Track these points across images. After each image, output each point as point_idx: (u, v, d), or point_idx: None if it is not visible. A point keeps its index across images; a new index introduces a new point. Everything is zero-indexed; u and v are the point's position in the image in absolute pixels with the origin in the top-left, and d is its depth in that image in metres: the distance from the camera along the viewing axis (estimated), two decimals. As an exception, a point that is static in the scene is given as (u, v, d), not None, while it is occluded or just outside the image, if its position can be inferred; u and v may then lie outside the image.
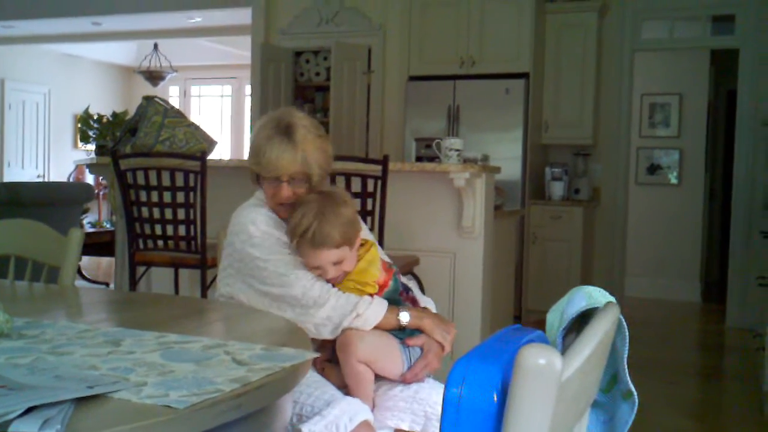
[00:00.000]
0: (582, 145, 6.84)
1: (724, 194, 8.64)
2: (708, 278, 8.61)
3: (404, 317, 2.05)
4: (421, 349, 2.08)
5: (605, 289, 1.29)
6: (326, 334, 2.03)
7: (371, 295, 2.06)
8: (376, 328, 2.03)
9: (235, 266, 2.12)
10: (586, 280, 6.55)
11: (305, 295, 2.01)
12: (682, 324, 6.93)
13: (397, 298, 2.11)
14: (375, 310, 2.02)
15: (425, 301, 2.27)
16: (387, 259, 2.23)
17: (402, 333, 2.07)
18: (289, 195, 2.10)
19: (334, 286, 2.06)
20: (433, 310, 2.24)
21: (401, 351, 2.05)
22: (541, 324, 1.22)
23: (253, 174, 2.17)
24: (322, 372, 2.09)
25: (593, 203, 6.87)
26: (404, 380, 2.07)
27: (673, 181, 8.19)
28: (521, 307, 6.42)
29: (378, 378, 2.09)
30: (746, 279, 6.38)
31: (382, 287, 2.09)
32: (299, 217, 2.01)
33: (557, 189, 6.67)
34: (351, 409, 1.87)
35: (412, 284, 2.33)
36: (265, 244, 2.07)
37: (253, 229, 2.08)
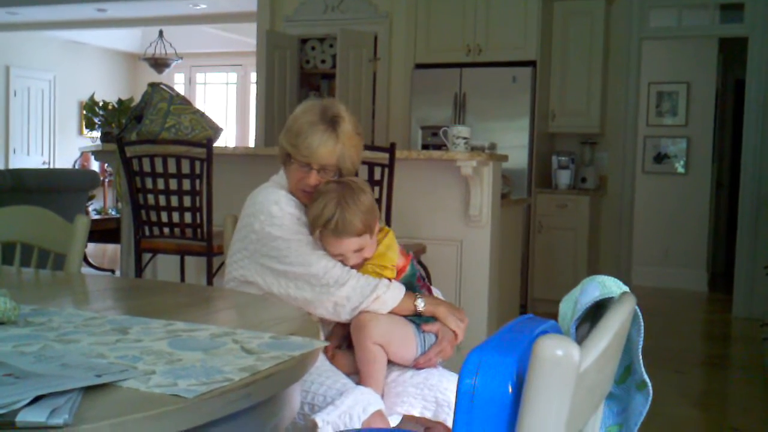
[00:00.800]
0: (589, 133, 6.80)
1: (731, 183, 8.61)
2: (715, 268, 8.58)
3: (420, 303, 2.07)
4: (436, 336, 2.08)
5: (613, 277, 1.27)
6: (344, 315, 2.04)
7: (389, 279, 2.07)
8: (393, 312, 2.04)
9: (251, 248, 2.10)
10: (593, 269, 6.53)
11: (326, 273, 2.01)
12: (689, 313, 6.91)
13: (414, 284, 2.13)
14: (393, 293, 2.03)
15: (433, 291, 2.28)
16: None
17: (417, 319, 2.08)
18: (315, 183, 2.10)
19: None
20: (441, 298, 2.26)
21: (416, 336, 2.07)
22: (547, 315, 1.21)
23: (283, 154, 2.16)
24: (332, 359, 2.08)
25: (600, 192, 6.85)
26: (417, 365, 2.08)
27: (681, 170, 8.15)
28: (527, 295, 6.40)
29: (388, 364, 2.09)
30: (753, 269, 6.36)
31: (400, 271, 2.11)
32: (321, 206, 2.02)
33: (564, 177, 6.64)
34: (364, 399, 1.87)
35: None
36: (288, 224, 2.06)
37: (276, 209, 2.07)
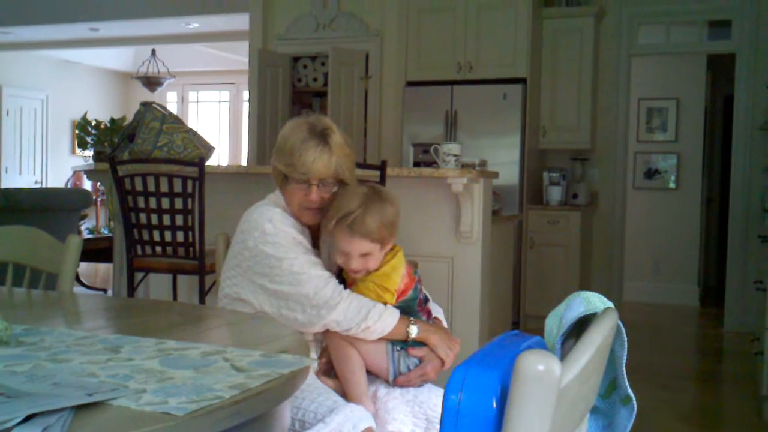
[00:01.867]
0: (580, 149, 6.85)
1: (721, 198, 8.66)
2: (706, 282, 8.62)
3: (413, 330, 2.06)
4: (420, 359, 2.09)
5: (603, 293, 1.29)
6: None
7: (385, 303, 2.06)
8: (384, 337, 2.04)
9: (244, 265, 2.10)
10: (584, 284, 6.55)
11: (317, 294, 2.01)
12: (680, 328, 6.93)
13: (414, 308, 2.12)
14: (384, 323, 2.02)
15: (435, 309, 2.28)
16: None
17: (403, 343, 2.08)
18: (317, 198, 2.11)
19: (351, 284, 2.08)
20: (442, 318, 2.25)
21: (387, 347, 2.07)
22: (539, 331, 1.23)
23: (278, 175, 2.16)
24: (321, 379, 2.09)
25: (591, 208, 6.88)
26: (396, 383, 2.08)
27: (671, 185, 8.20)
28: (519, 312, 6.42)
29: (376, 379, 2.10)
30: (744, 283, 6.39)
31: (400, 294, 2.09)
32: (345, 200, 2.04)
33: (555, 194, 6.68)
34: (354, 416, 1.88)
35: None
36: (281, 242, 2.06)
37: (269, 226, 2.08)
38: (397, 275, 2.08)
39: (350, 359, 2.05)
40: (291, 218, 2.13)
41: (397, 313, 2.05)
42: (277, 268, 2.04)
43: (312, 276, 2.03)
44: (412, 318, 2.08)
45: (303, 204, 2.12)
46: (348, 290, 2.05)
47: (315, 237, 2.19)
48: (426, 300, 2.20)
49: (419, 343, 2.09)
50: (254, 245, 2.08)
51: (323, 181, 2.10)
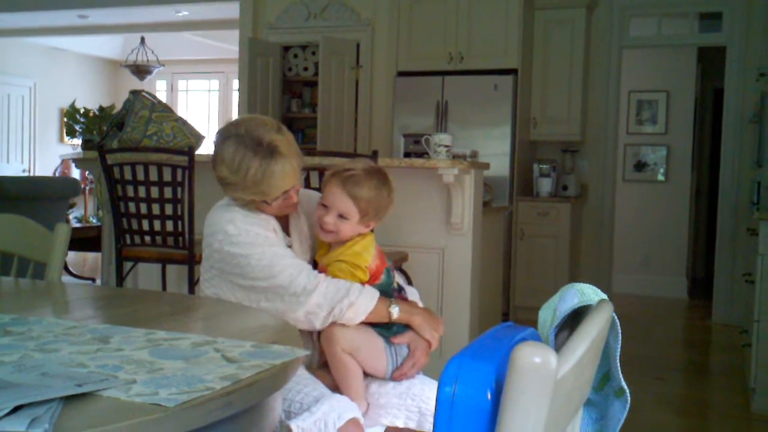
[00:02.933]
0: (570, 141, 6.85)
1: (710, 191, 8.69)
2: (695, 275, 8.65)
3: (395, 311, 2.05)
4: (408, 346, 2.08)
5: (592, 285, 1.28)
6: (318, 323, 2.01)
7: (363, 283, 2.05)
8: (367, 320, 2.03)
9: (217, 267, 2.09)
10: (574, 276, 6.57)
11: (292, 282, 1.99)
12: (669, 320, 6.96)
13: (390, 293, 2.11)
14: (366, 298, 2.01)
15: (411, 292, 2.27)
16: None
17: (388, 332, 2.07)
18: (297, 193, 2.12)
19: (323, 270, 2.08)
20: (418, 301, 2.24)
21: (386, 348, 2.06)
22: (529, 322, 1.22)
23: (252, 202, 2.08)
24: (316, 373, 2.08)
25: (581, 200, 6.89)
26: (393, 379, 2.08)
27: (661, 177, 8.22)
28: (509, 303, 6.43)
29: (368, 376, 2.09)
30: (732, 275, 6.42)
31: (374, 277, 2.09)
32: (355, 162, 2.11)
33: (545, 185, 6.68)
34: (340, 406, 1.87)
35: (401, 278, 2.32)
36: (246, 240, 2.04)
37: (231, 227, 2.05)
38: (368, 254, 2.09)
39: (349, 370, 2.03)
40: (253, 215, 2.09)
41: (376, 292, 2.04)
42: (247, 265, 2.02)
43: (284, 266, 2.01)
44: (392, 299, 2.07)
45: (285, 210, 2.13)
46: (323, 274, 2.04)
47: (284, 225, 2.18)
48: (400, 289, 2.19)
49: (401, 329, 2.08)
50: (220, 247, 2.06)
51: (295, 185, 2.10)
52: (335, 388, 2.04)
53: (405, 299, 2.18)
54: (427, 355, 2.10)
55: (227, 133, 2.05)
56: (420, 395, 2.04)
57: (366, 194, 2.04)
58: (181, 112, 12.88)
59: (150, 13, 9.54)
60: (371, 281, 2.08)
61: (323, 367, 2.11)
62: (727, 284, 6.53)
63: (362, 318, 2.01)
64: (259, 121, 2.08)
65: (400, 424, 2.03)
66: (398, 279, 2.25)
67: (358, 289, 2.01)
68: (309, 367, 2.10)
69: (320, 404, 1.86)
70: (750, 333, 4.26)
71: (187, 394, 1.12)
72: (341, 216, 2.05)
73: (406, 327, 2.08)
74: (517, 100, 6.34)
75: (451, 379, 0.97)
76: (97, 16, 9.76)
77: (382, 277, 2.11)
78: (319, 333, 2.09)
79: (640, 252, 8.16)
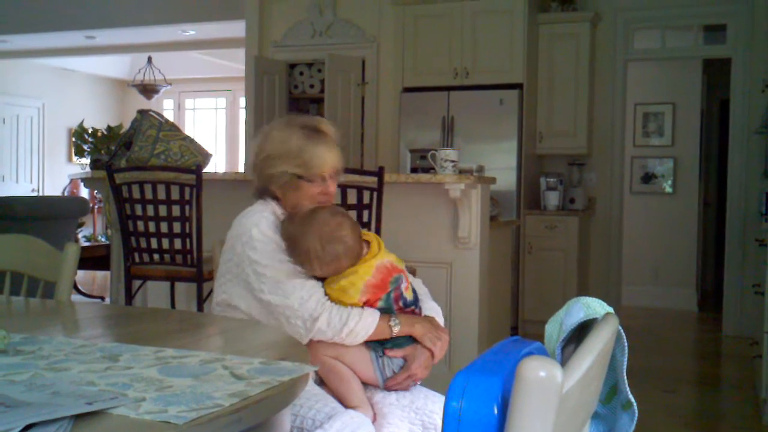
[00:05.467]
0: (576, 154, 6.85)
1: (718, 202, 8.67)
2: (704, 286, 8.62)
3: (395, 326, 2.05)
4: (405, 359, 2.08)
5: (601, 298, 1.29)
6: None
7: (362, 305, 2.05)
8: (371, 338, 2.04)
9: (234, 271, 2.11)
10: (583, 289, 6.55)
11: (302, 306, 2.01)
12: (679, 332, 6.93)
13: (391, 311, 2.10)
14: (365, 322, 2.02)
15: (432, 309, 2.26)
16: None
17: (391, 343, 2.07)
18: (334, 189, 2.19)
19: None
20: (439, 318, 2.23)
21: (371, 355, 2.07)
22: (538, 336, 1.22)
23: (285, 181, 2.15)
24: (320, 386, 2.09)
25: (588, 213, 6.88)
26: (387, 387, 2.08)
27: (668, 189, 8.21)
28: (518, 317, 6.41)
29: (370, 387, 2.10)
30: (742, 287, 6.39)
31: (368, 304, 2.07)
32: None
33: (552, 199, 6.68)
34: (353, 423, 1.87)
35: (424, 288, 2.32)
36: (266, 249, 2.06)
37: (255, 231, 2.08)
38: (355, 290, 2.05)
39: (338, 373, 2.05)
40: (278, 223, 2.14)
41: (376, 313, 2.04)
42: (263, 275, 2.05)
43: (296, 287, 2.03)
44: (392, 315, 2.07)
45: (319, 200, 2.16)
46: (329, 302, 2.05)
47: None
48: (411, 303, 2.17)
49: (398, 344, 2.07)
50: (242, 250, 2.09)
51: (336, 171, 2.18)
52: (340, 400, 2.04)
53: (417, 315, 2.17)
54: (427, 368, 2.10)
55: (274, 123, 2.25)
56: (423, 409, 2.04)
57: (320, 253, 2.03)
58: (188, 130, 12.94)
59: (157, 33, 9.60)
60: (372, 304, 2.07)
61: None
62: (736, 296, 6.51)
63: (363, 340, 2.04)
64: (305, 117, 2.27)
65: None
66: (419, 287, 2.25)
67: (358, 314, 2.02)
68: (316, 380, 2.11)
69: (333, 421, 1.87)
70: (761, 344, 4.24)
71: (196, 412, 1.13)
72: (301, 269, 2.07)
73: (411, 339, 2.09)
74: (523, 115, 6.34)
75: (458, 394, 0.97)
76: (104, 36, 9.83)
77: (379, 304, 2.08)
78: None
79: (649, 264, 8.14)
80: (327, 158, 2.14)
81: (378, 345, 2.07)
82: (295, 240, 2.05)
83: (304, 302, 2.01)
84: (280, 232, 2.09)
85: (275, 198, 2.20)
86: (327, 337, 2.02)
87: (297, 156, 2.13)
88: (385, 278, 2.09)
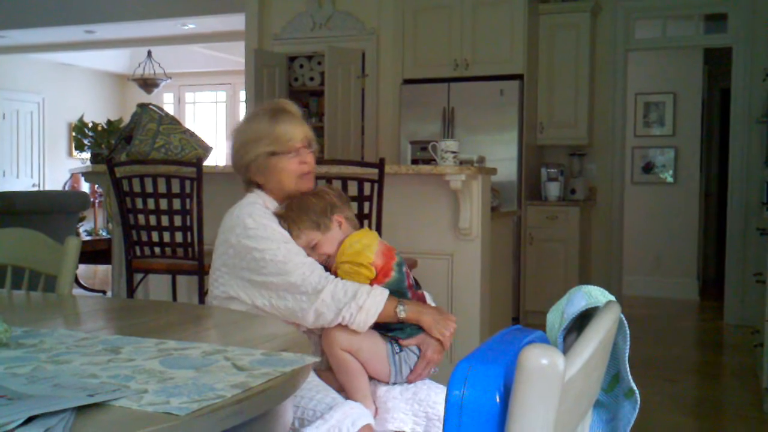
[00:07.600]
0: (577, 145, 6.85)
1: (719, 192, 8.66)
2: (705, 276, 8.62)
3: (401, 311, 2.05)
4: (419, 347, 2.09)
5: (603, 288, 1.29)
6: (326, 323, 2.04)
7: (371, 282, 2.07)
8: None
9: (230, 263, 2.12)
10: (584, 279, 6.55)
11: (305, 281, 2.03)
12: (681, 322, 6.93)
13: (405, 290, 2.12)
14: (376, 299, 2.02)
15: (426, 297, 2.28)
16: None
17: (402, 333, 2.08)
18: (312, 159, 2.22)
19: (332, 273, 2.10)
20: (430, 302, 2.25)
21: (389, 353, 2.07)
22: (539, 326, 1.22)
23: (263, 161, 2.20)
24: (320, 377, 2.09)
25: (589, 203, 6.88)
26: (408, 381, 2.09)
27: (669, 179, 8.20)
28: (519, 307, 6.42)
29: (373, 380, 2.10)
30: (743, 276, 6.39)
31: (383, 273, 2.09)
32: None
33: (553, 189, 6.67)
34: (353, 413, 1.88)
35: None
36: (263, 235, 2.08)
37: (249, 221, 2.10)
38: (370, 251, 2.11)
39: (350, 368, 2.05)
40: (270, 212, 2.18)
41: (386, 291, 2.05)
42: (261, 260, 2.07)
43: (297, 264, 2.06)
44: (399, 299, 2.08)
45: (300, 171, 2.20)
46: (333, 276, 2.08)
47: None
48: (418, 286, 2.21)
49: (410, 334, 2.08)
50: (237, 241, 2.11)
51: (309, 142, 2.23)
52: (339, 389, 2.05)
53: (422, 297, 2.20)
54: (441, 352, 2.11)
55: (241, 120, 2.40)
56: (427, 400, 2.05)
57: (293, 214, 2.13)
58: (188, 124, 12.92)
59: (156, 27, 9.59)
60: (381, 278, 2.09)
61: (329, 369, 2.12)
62: (738, 284, 6.51)
63: (374, 320, 2.03)
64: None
65: (408, 430, 2.04)
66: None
67: (366, 291, 2.03)
68: (316, 369, 2.11)
69: (333, 411, 1.87)
70: (762, 333, 4.24)
71: (198, 403, 1.13)
72: (312, 247, 2.14)
73: (419, 328, 2.09)
74: (524, 105, 6.34)
75: (459, 383, 0.97)
76: (103, 31, 9.82)
77: (393, 274, 2.11)
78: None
79: (651, 254, 8.14)
80: (296, 130, 2.21)
81: (394, 339, 2.08)
82: (295, 212, 2.15)
83: (306, 277, 2.03)
84: (279, 221, 2.14)
85: (259, 186, 2.24)
86: (330, 314, 2.01)
87: (266, 135, 2.20)
88: (390, 250, 2.17)
